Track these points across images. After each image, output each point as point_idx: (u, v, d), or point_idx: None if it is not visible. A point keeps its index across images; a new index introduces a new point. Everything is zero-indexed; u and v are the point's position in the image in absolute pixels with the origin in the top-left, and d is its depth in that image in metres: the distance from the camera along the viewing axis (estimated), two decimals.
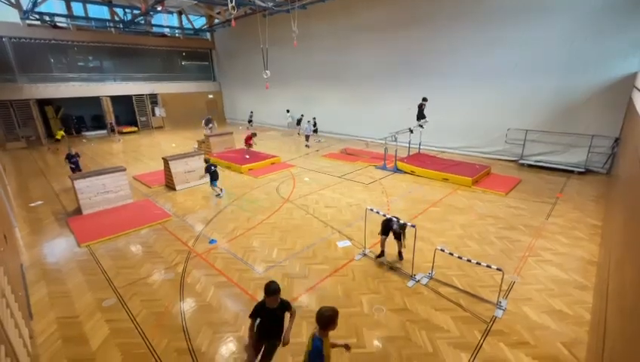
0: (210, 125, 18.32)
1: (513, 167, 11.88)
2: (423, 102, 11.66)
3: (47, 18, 19.44)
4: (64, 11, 19.66)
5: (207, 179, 9.70)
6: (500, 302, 4.67)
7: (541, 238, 6.60)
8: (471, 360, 3.84)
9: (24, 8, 17.56)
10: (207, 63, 28.17)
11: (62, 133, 20.03)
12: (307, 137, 16.40)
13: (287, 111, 21.39)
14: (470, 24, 12.54)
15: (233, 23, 11.59)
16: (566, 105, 11.00)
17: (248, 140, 14.20)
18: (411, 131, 11.89)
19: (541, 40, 10.99)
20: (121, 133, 22.61)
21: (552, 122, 11.34)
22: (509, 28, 11.57)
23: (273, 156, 13.49)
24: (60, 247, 6.90)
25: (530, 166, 11.73)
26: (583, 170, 10.72)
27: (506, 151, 12.61)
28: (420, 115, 11.71)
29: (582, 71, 10.45)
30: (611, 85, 10.05)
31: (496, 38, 11.96)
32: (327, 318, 2.76)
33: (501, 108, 12.41)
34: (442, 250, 5.22)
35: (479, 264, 4.80)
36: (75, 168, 10.71)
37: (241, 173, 12.00)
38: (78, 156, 10.90)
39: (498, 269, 4.55)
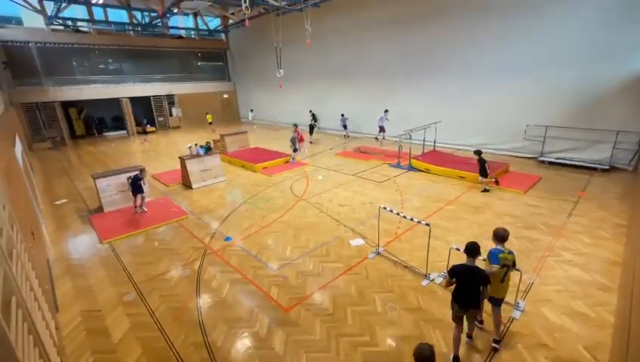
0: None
1: (533, 164, 11.54)
2: None
3: (69, 23, 20.20)
4: (86, 16, 20.33)
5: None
6: (518, 303, 4.56)
7: (562, 238, 6.39)
8: (487, 361, 3.78)
9: (48, 14, 18.29)
10: (221, 64, 28.58)
11: (210, 116, 22.83)
12: (381, 128, 14.40)
13: (251, 110, 24.41)
14: (488, 16, 12.20)
15: (247, 22, 11.70)
16: (589, 100, 10.57)
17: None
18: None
19: (563, 31, 10.57)
20: (140, 133, 23.36)
21: (574, 117, 10.92)
22: (530, 19, 11.18)
23: (287, 155, 13.56)
24: (83, 243, 7.19)
25: (550, 163, 11.35)
26: (607, 167, 10.29)
27: (525, 148, 12.24)
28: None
29: (607, 63, 10.00)
30: (639, 78, 9.59)
31: (515, 29, 11.59)
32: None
33: (520, 104, 12.04)
34: (457, 249, 5.13)
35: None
36: (136, 190, 8.44)
37: (255, 171, 12.14)
38: (143, 175, 8.62)
39: (516, 269, 4.43)
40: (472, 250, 3.66)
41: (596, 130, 10.48)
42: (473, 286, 3.59)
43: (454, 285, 3.71)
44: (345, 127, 17.91)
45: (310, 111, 18.18)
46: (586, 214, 7.36)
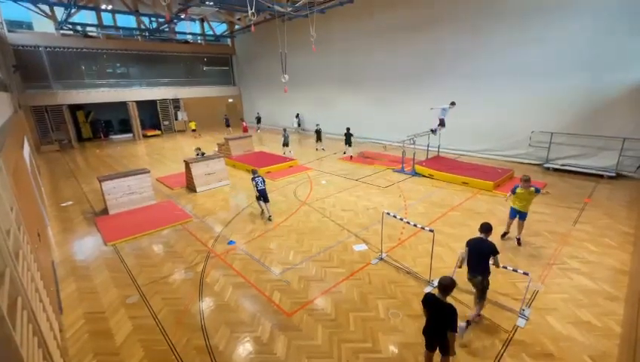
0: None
1: (538, 170, 11.46)
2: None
3: (79, 28, 20.57)
4: (95, 21, 20.71)
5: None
6: (523, 311, 4.51)
7: (567, 245, 6.33)
8: None
9: (59, 19, 18.65)
10: (227, 68, 28.87)
11: (194, 124, 23.43)
12: (441, 121, 11.97)
13: (297, 116, 22.44)
14: (493, 23, 12.25)
15: (253, 28, 11.83)
16: (595, 106, 10.51)
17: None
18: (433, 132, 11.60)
19: (570, 37, 10.56)
20: (145, 136, 23.60)
21: (580, 124, 10.86)
22: (535, 25, 11.20)
23: (291, 159, 13.62)
24: (88, 245, 7.24)
25: (555, 170, 11.27)
26: (613, 174, 10.19)
27: (529, 155, 12.18)
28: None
29: (613, 70, 9.96)
30: None
31: (521, 37, 11.60)
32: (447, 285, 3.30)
33: (525, 110, 12.01)
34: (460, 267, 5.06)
35: (505, 267, 4.65)
36: (261, 192, 8.10)
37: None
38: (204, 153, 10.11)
39: (525, 273, 4.34)
40: (444, 286, 3.33)
41: (602, 136, 10.40)
42: (439, 322, 3.36)
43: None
44: (298, 125, 18.06)
45: (317, 125, 17.76)
46: (592, 221, 7.29)
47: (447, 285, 3.27)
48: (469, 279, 4.35)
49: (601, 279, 5.26)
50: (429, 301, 3.43)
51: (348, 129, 14.23)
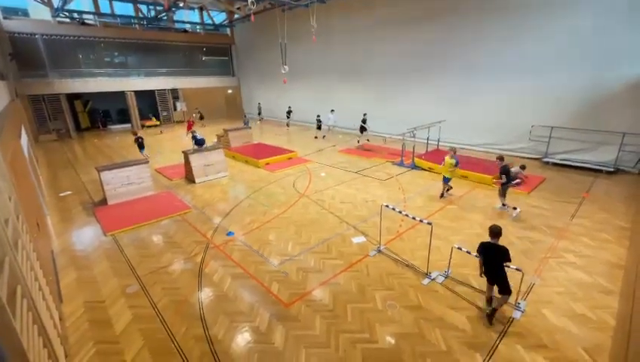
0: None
1: (537, 165, 11.46)
2: None
3: (76, 15, 20.25)
4: (92, 8, 20.38)
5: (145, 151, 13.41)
6: (519, 304, 4.57)
7: (564, 239, 6.37)
8: (486, 360, 3.79)
9: (55, 6, 18.34)
10: (226, 58, 28.52)
11: (155, 120, 24.21)
12: None
13: (332, 111, 18.06)
14: (495, 18, 12.10)
15: (252, 18, 11.70)
16: (596, 101, 10.47)
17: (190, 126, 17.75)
18: None
19: (571, 32, 10.47)
20: (144, 126, 23.44)
21: (580, 119, 10.83)
22: (537, 19, 11.08)
23: (290, 151, 13.58)
24: (87, 235, 7.26)
25: (555, 164, 11.28)
26: (612, 169, 10.21)
27: (529, 149, 12.17)
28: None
29: (614, 64, 9.90)
30: None
31: (522, 31, 11.48)
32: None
33: (525, 104, 11.95)
34: (459, 248, 5.14)
35: None
36: (141, 145, 13.28)
37: (258, 167, 12.16)
38: (141, 138, 13.34)
39: (517, 269, 4.43)
40: (495, 233, 4.26)
41: (602, 131, 10.39)
42: (496, 262, 4.20)
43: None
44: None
45: (332, 110, 17.10)
46: (590, 216, 7.32)
47: (499, 231, 4.22)
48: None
49: (596, 273, 5.31)
50: (485, 247, 4.28)
51: (318, 115, 17.04)
